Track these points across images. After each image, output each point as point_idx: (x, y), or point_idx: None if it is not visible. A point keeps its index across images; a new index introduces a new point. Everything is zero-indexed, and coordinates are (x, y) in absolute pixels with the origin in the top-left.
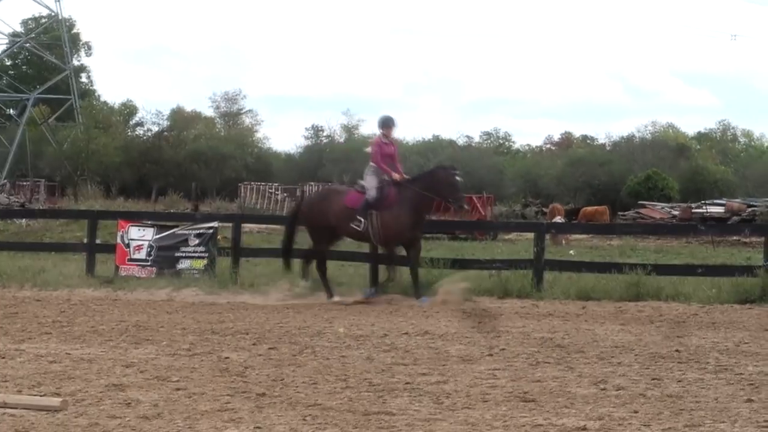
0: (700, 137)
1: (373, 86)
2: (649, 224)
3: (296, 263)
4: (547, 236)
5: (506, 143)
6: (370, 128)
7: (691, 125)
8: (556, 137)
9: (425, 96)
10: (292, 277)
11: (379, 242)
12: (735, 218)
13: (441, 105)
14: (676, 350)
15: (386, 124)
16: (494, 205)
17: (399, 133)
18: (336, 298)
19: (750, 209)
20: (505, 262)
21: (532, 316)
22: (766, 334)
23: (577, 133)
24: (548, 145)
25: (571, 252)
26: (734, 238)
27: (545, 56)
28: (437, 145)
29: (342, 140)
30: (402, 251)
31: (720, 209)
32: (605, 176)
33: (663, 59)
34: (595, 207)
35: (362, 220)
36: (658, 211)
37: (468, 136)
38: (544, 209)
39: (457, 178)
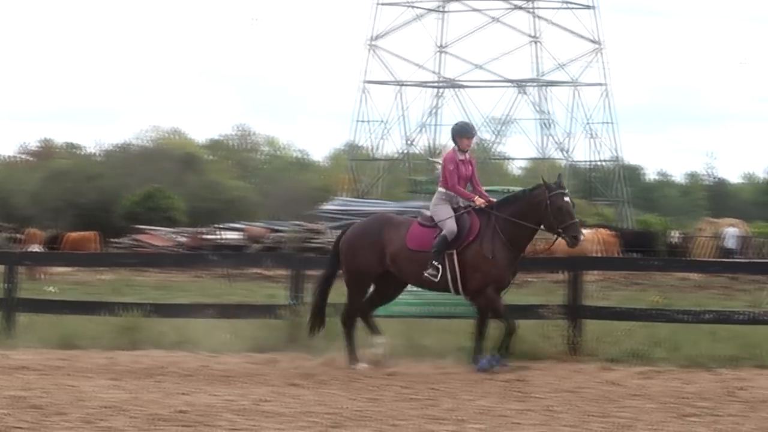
0: (214, 145)
1: None
2: (149, 254)
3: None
4: (21, 269)
5: None
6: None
7: (202, 131)
8: (32, 145)
9: None
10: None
11: (465, 293)
12: (256, 246)
13: None
14: (181, 410)
15: (463, 133)
16: None
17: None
18: (361, 365)
19: (274, 234)
20: None
21: (2, 370)
22: (291, 390)
23: (60, 139)
24: (23, 155)
25: (52, 288)
26: (254, 270)
27: (13, 43)
28: None
29: None
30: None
31: (237, 235)
32: (95, 194)
33: (162, 45)
34: (82, 232)
35: (439, 266)
36: (160, 237)
37: None
38: (19, 235)
39: (566, 199)
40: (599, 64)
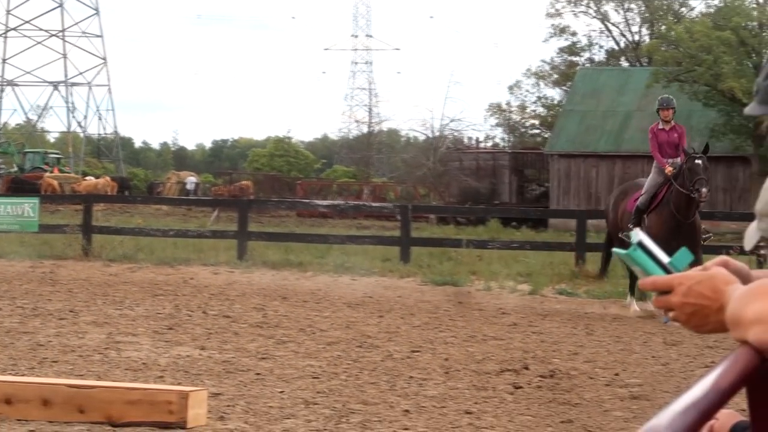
0: None
1: None
2: None
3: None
4: None
5: None
6: None
7: None
8: None
9: None
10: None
11: None
12: None
13: None
14: None
15: (660, 106)
16: None
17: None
18: (634, 308)
19: None
20: None
21: None
22: None
23: None
24: None
25: None
26: None
27: None
28: None
29: None
30: None
31: None
32: None
33: None
34: None
35: (631, 227)
36: None
37: None
38: None
39: (697, 161)
40: (105, 72)
